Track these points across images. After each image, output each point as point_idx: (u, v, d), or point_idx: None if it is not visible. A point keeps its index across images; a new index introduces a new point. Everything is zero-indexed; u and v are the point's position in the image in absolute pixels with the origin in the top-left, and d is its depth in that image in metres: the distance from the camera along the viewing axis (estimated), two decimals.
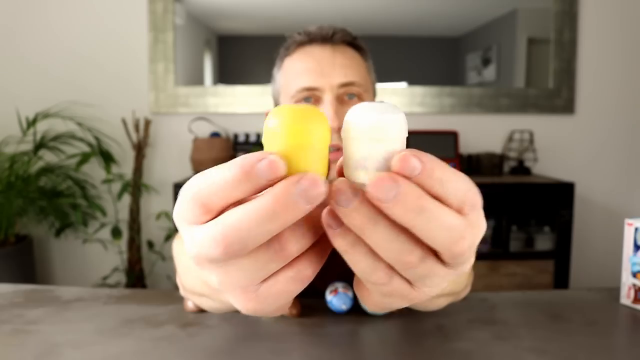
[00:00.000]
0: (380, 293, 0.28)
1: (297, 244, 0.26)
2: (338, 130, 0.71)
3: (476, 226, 0.27)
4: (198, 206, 0.26)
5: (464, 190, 0.26)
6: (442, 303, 0.67)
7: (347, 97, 0.75)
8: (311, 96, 0.74)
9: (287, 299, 0.28)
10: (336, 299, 0.75)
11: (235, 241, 0.25)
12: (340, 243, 0.27)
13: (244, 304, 0.29)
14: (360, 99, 0.76)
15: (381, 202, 0.24)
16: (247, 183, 0.24)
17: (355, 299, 0.78)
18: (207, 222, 0.26)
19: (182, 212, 0.27)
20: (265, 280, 0.27)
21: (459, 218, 0.26)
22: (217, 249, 0.25)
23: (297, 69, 0.75)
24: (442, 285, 0.29)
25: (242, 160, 0.24)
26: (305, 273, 0.27)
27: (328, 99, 0.73)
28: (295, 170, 0.25)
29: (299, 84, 0.74)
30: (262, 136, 0.26)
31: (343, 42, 0.78)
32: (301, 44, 0.78)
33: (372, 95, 0.82)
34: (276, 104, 0.84)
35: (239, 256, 0.26)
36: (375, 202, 0.24)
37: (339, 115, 0.72)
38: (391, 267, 0.27)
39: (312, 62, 0.75)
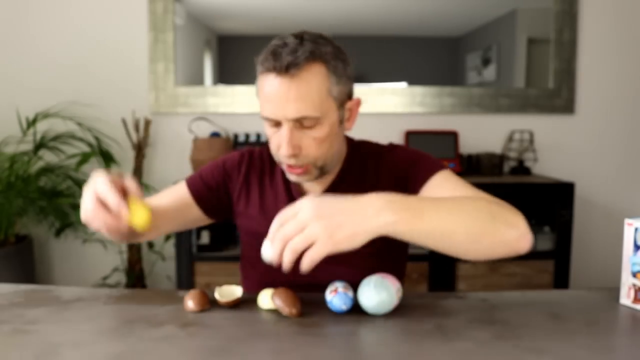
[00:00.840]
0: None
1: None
2: (290, 155, 0.84)
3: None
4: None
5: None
6: (473, 248, 0.71)
7: (305, 123, 0.83)
8: (274, 122, 0.85)
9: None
10: (336, 299, 0.75)
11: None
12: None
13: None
14: (313, 129, 0.84)
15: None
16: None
17: (355, 299, 0.78)
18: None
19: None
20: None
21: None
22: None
23: (262, 94, 0.85)
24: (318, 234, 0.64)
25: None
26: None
27: (286, 127, 0.83)
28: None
29: (263, 111, 0.85)
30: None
31: (306, 59, 0.81)
32: (267, 70, 0.83)
33: (335, 113, 0.86)
34: None
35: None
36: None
37: (292, 143, 0.83)
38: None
39: (271, 94, 0.82)
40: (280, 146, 0.84)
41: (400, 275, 1.01)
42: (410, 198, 0.70)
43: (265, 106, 0.84)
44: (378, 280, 0.75)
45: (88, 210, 0.75)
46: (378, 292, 0.74)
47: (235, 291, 0.82)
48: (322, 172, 0.90)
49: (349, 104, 0.90)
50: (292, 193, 0.97)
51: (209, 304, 0.80)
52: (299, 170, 0.87)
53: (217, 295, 0.79)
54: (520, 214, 0.75)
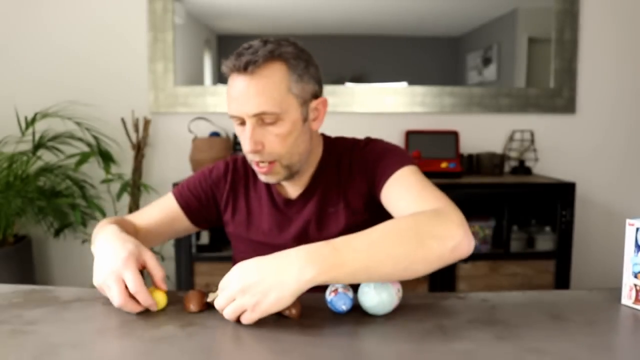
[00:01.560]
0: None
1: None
2: (252, 151, 0.86)
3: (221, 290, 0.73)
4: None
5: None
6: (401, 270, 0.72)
7: (266, 119, 0.86)
8: (239, 121, 0.88)
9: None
10: (336, 299, 0.75)
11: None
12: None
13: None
14: (275, 125, 0.86)
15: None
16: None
17: (355, 299, 0.78)
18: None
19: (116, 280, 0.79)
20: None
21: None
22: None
23: (229, 94, 0.88)
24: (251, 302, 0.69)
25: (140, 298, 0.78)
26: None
27: (248, 124, 0.86)
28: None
29: (230, 110, 0.88)
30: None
31: (265, 57, 0.84)
32: (230, 70, 0.87)
33: (297, 110, 0.87)
34: None
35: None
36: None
37: (254, 138, 0.86)
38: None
39: (234, 92, 0.86)
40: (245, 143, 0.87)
41: None
42: (330, 243, 0.70)
43: (230, 105, 0.87)
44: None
45: (115, 300, 0.75)
46: (378, 292, 0.74)
47: None
48: (290, 171, 0.91)
49: (314, 104, 0.91)
50: (274, 196, 0.99)
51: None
52: (265, 168, 0.89)
53: (210, 300, 0.77)
54: (456, 219, 0.75)
